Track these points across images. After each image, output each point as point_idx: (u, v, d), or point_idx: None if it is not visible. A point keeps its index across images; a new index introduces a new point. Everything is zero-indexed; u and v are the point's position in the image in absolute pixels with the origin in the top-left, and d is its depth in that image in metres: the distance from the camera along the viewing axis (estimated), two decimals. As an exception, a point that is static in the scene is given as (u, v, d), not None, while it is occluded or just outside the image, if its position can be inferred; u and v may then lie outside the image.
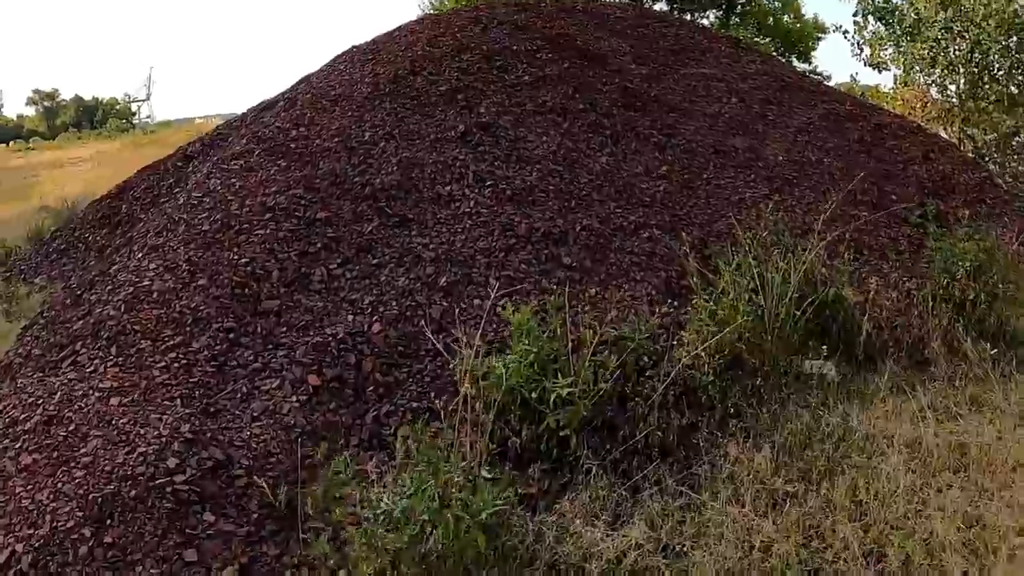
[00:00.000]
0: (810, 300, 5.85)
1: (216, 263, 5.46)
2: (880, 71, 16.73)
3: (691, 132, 9.16)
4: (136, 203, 9.35)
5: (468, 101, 7.84)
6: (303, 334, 4.98)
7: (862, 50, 16.42)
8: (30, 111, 71.68)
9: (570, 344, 4.54)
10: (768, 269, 5.97)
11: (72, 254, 9.57)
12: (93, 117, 66.75)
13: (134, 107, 71.94)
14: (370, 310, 5.24)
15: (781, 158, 9.32)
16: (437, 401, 4.22)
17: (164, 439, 4.02)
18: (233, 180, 6.44)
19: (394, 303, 5.32)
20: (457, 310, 5.42)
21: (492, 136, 7.43)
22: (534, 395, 4.09)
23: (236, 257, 5.49)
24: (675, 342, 5.30)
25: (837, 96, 12.08)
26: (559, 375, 4.35)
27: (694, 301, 5.84)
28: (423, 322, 5.20)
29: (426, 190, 6.55)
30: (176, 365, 4.68)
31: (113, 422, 4.24)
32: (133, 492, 3.72)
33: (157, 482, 3.77)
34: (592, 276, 6.09)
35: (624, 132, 8.57)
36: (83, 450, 4.07)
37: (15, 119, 68.99)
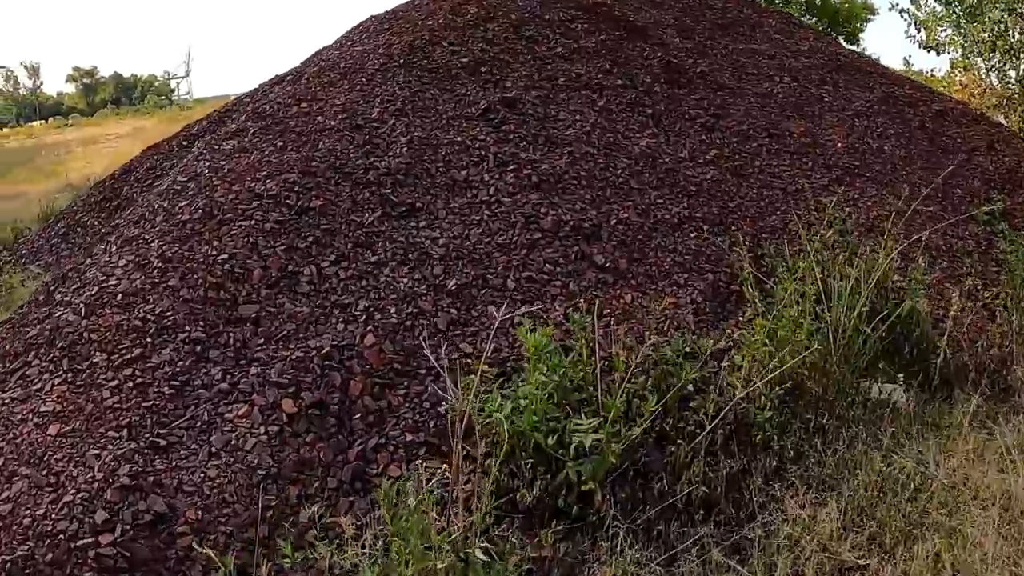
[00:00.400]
0: (882, 315, 4.97)
1: (191, 259, 4.72)
2: (939, 53, 15.60)
3: (741, 113, 8.22)
4: (137, 185, 8.70)
5: (492, 74, 6.99)
6: (282, 347, 4.22)
7: (919, 30, 15.25)
8: (70, 88, 72.30)
9: (598, 367, 3.72)
10: (834, 275, 5.11)
11: (72, 239, 8.97)
12: (132, 94, 67.05)
13: (173, 84, 72.21)
14: (364, 317, 4.46)
15: (840, 145, 8.35)
16: (435, 431, 3.45)
17: (97, 484, 3.30)
18: (223, 163, 5.69)
19: (393, 309, 4.54)
20: (468, 319, 4.62)
21: (518, 114, 6.59)
22: (551, 440, 3.29)
23: (214, 253, 4.74)
24: (725, 362, 4.45)
25: (895, 78, 11.02)
26: (583, 410, 3.54)
27: (747, 313, 4.98)
28: (426, 333, 4.41)
29: (439, 175, 5.74)
30: (130, 385, 3.96)
31: (46, 458, 3.54)
32: (50, 556, 3.01)
33: (79, 543, 3.04)
34: (628, 279, 5.25)
35: (667, 111, 7.66)
36: (5, 494, 3.37)
37: (55, 96, 69.58)
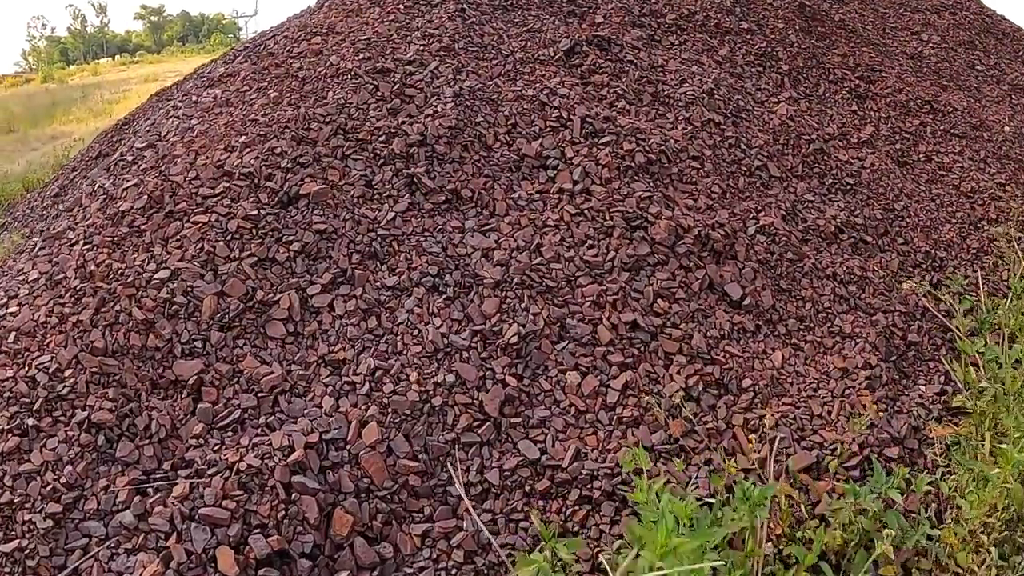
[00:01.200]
0: None
1: (118, 276, 3.11)
2: None
3: (894, 78, 6.23)
4: (136, 139, 7.17)
5: (578, 5, 5.15)
6: (230, 441, 2.60)
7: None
8: (137, 26, 71.90)
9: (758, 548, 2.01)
10: None
11: (63, 201, 7.53)
12: (199, 32, 66.33)
13: (241, 23, 71.29)
14: (366, 388, 2.80)
15: (1008, 128, 6.32)
16: None
17: None
18: (194, 122, 4.06)
19: (413, 374, 2.86)
20: (533, 393, 2.91)
21: (612, 60, 4.76)
22: None
23: (152, 267, 3.12)
24: (931, 485, 2.70)
25: (1047, 48, 8.84)
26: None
27: (956, 399, 3.16)
28: (465, 422, 2.73)
29: (498, 146, 3.99)
30: (-24, 503, 2.39)
31: None
32: None
33: None
34: (775, 323, 3.45)
35: (806, 69, 5.73)
36: None
37: (123, 34, 69.31)
